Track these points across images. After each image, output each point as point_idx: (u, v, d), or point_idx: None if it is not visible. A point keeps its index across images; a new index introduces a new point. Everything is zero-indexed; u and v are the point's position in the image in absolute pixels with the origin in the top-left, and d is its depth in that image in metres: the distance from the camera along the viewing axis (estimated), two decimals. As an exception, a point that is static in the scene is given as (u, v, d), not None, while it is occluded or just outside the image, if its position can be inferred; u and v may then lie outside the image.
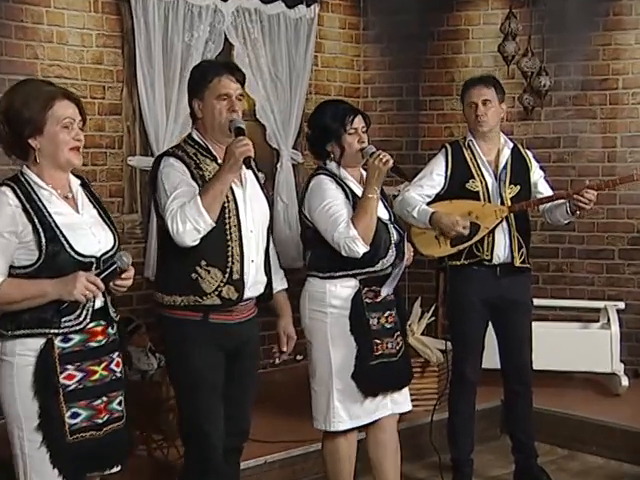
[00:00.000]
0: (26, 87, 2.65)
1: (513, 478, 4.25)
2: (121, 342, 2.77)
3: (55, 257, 2.55)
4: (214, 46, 5.17)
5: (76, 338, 2.62)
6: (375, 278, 3.42)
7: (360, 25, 6.17)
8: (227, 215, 2.99)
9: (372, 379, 3.42)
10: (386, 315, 3.46)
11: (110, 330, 2.72)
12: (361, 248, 3.31)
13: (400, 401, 3.54)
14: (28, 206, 2.56)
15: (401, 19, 6.00)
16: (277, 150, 5.68)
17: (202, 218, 2.86)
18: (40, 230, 2.55)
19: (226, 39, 5.28)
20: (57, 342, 2.58)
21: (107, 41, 4.89)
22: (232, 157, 2.88)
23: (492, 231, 4.00)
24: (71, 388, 2.60)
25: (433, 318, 5.12)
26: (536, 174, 4.18)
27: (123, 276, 2.64)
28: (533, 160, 4.21)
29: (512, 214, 4.02)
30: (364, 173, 3.53)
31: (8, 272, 2.56)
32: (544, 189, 4.17)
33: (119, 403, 2.72)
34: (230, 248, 2.99)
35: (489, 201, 4.02)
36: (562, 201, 4.04)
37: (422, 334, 4.98)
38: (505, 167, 4.07)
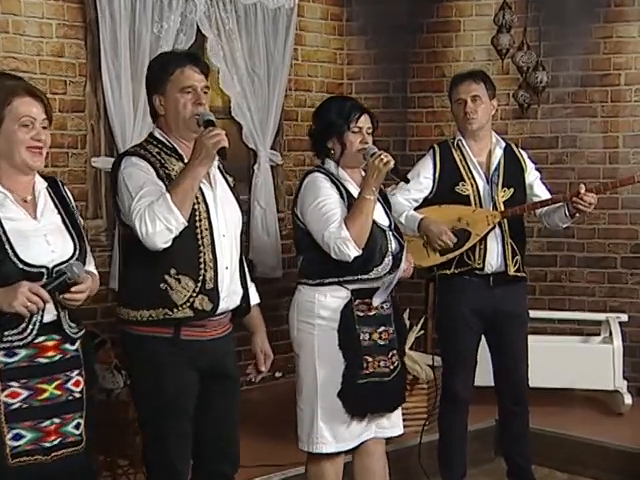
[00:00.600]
0: None
1: (508, 504, 4.28)
2: (86, 359, 2.75)
3: None
4: (185, 38, 5.17)
5: (22, 353, 2.59)
6: (368, 290, 3.42)
7: (343, 16, 6.18)
8: (197, 217, 2.96)
9: (360, 399, 3.41)
10: (380, 331, 3.46)
11: (68, 346, 2.70)
12: (352, 251, 3.32)
13: (386, 425, 3.54)
14: None
15: (388, 9, 6.02)
16: (254, 151, 5.68)
17: (173, 216, 2.83)
18: None
19: (198, 30, 5.28)
20: None
21: (68, 32, 4.87)
22: (203, 149, 2.84)
23: (484, 238, 4.01)
24: (14, 407, 2.56)
25: (422, 332, 5.13)
26: (531, 175, 4.20)
27: (73, 289, 2.60)
28: (528, 160, 4.22)
29: (505, 219, 4.04)
30: None
31: None
32: (541, 192, 4.19)
33: (76, 426, 2.69)
34: (202, 254, 2.96)
35: (480, 206, 4.03)
36: (560, 204, 4.06)
37: (410, 349, 4.99)
38: (497, 168, 4.09)
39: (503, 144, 4.14)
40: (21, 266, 2.57)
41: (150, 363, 2.98)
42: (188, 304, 2.95)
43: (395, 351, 3.52)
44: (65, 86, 4.88)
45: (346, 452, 3.53)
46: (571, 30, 5.69)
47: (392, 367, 3.49)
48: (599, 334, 5.48)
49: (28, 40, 4.71)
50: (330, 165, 3.52)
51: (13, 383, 2.57)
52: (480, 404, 4.32)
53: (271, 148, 5.74)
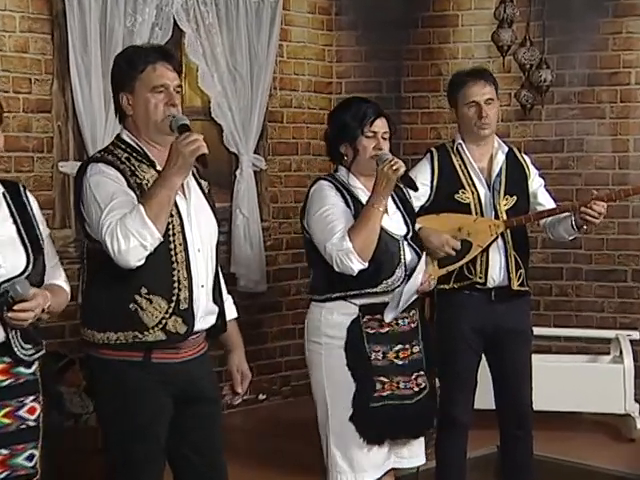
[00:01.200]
0: None
1: (511, 537, 4.26)
2: (46, 383, 2.72)
3: None
4: (161, 32, 5.16)
5: None
6: (378, 305, 3.42)
7: (332, 9, 6.19)
8: (171, 232, 2.91)
9: (375, 424, 3.40)
10: (397, 349, 3.45)
11: (22, 369, 2.67)
12: (356, 264, 3.32)
13: (405, 454, 3.53)
14: None
15: (380, 3, 6.03)
16: (236, 155, 5.68)
17: (148, 231, 2.78)
18: None
19: (175, 24, 5.28)
20: None
21: (33, 25, 4.86)
22: (179, 157, 2.80)
23: (486, 250, 4.02)
24: None
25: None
26: (535, 182, 4.20)
27: (16, 307, 2.55)
28: (531, 166, 4.22)
29: (508, 230, 4.04)
30: None
31: None
32: (544, 200, 4.19)
33: (29, 458, 2.65)
34: (176, 272, 2.92)
35: (482, 214, 4.02)
36: (567, 214, 4.07)
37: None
38: (499, 175, 4.08)
39: (505, 148, 4.14)
40: None
41: (118, 389, 2.94)
42: (160, 326, 2.92)
43: (422, 372, 3.51)
44: (30, 84, 4.86)
45: None
46: (577, 25, 5.71)
47: (417, 389, 3.48)
48: (609, 353, 5.48)
49: (-11, 35, 4.71)
50: (342, 172, 3.53)
51: None
52: (480, 429, 4.30)
53: (254, 152, 5.73)
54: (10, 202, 2.75)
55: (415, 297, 3.47)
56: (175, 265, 2.93)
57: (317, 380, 3.48)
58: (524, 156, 4.26)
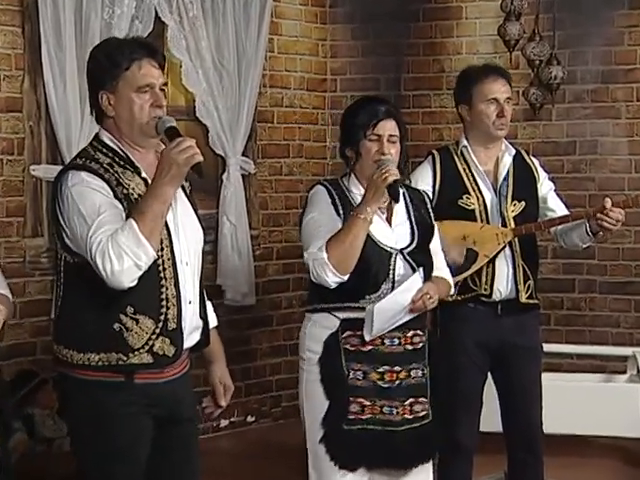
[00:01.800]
0: None
1: None
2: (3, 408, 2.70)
3: None
4: (142, 25, 5.16)
5: None
6: (362, 320, 3.40)
7: (326, 1, 6.20)
8: (159, 246, 2.89)
9: (347, 447, 3.40)
10: (381, 371, 3.43)
11: None
12: (331, 277, 3.33)
13: None
14: None
15: (378, -6, 6.06)
16: (222, 157, 5.68)
17: (143, 250, 2.77)
18: None
19: (157, 17, 5.28)
20: None
21: (2, 17, 4.85)
22: (173, 165, 2.78)
23: (492, 259, 4.02)
24: None
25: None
26: (544, 187, 4.20)
27: None
28: (540, 169, 4.23)
29: (516, 238, 4.04)
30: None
31: None
32: (555, 205, 4.19)
33: None
34: (164, 289, 2.92)
35: (488, 222, 4.02)
36: (580, 221, 4.07)
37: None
38: (506, 179, 4.08)
39: (513, 151, 4.15)
40: None
41: (96, 412, 2.93)
42: (146, 348, 2.91)
43: (422, 399, 3.49)
44: (-1, 81, 4.87)
45: None
46: (591, 18, 5.72)
47: (410, 417, 3.45)
48: (625, 372, 5.48)
49: (-46, 28, 4.72)
50: (347, 177, 3.56)
51: None
52: (486, 453, 4.30)
53: (242, 154, 5.74)
54: None
55: (408, 317, 3.44)
56: (163, 282, 2.92)
57: (300, 398, 3.53)
58: (532, 159, 4.26)
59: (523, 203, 4.08)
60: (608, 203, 3.92)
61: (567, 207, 4.23)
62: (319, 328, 3.45)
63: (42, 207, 4.98)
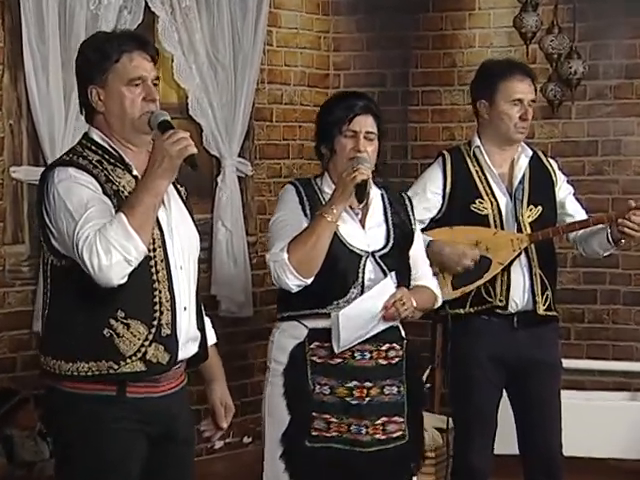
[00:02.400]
0: None
1: None
2: None
3: None
4: (130, 17, 5.17)
5: None
6: (330, 330, 3.42)
7: (329, -10, 6.23)
8: (151, 247, 2.92)
9: (309, 466, 3.42)
10: (349, 386, 3.45)
11: None
12: (292, 279, 3.36)
13: None
14: None
15: (384, -18, 6.07)
16: (217, 158, 5.68)
17: (133, 243, 2.79)
18: None
19: (147, 7, 5.29)
20: None
21: (-19, 9, 4.89)
22: (166, 156, 2.81)
23: (507, 268, 4.03)
24: None
25: (428, 385, 5.12)
26: (563, 190, 4.21)
27: None
28: (558, 172, 4.23)
29: (533, 245, 4.04)
30: (372, 191, 3.58)
31: None
32: (574, 210, 4.20)
33: None
34: (157, 292, 2.94)
35: (502, 227, 4.03)
36: (601, 226, 4.08)
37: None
38: (522, 182, 4.09)
39: (530, 152, 4.15)
40: None
41: (85, 427, 2.94)
42: (139, 355, 2.92)
43: (397, 418, 3.50)
44: (-23, 77, 4.88)
45: None
46: (613, 8, 5.72)
47: (382, 437, 3.46)
48: (651, 389, 5.50)
49: None
50: (321, 176, 3.60)
51: None
52: (501, 477, 4.30)
53: (238, 155, 5.74)
54: None
55: (381, 327, 3.44)
56: (156, 285, 2.94)
57: (262, 413, 3.55)
58: (550, 160, 4.27)
59: (540, 208, 4.08)
60: (632, 206, 3.93)
61: (588, 212, 4.24)
62: (287, 337, 3.48)
63: (23, 212, 4.99)
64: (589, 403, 5.31)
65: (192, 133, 5.43)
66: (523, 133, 4.07)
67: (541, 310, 4.05)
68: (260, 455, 3.54)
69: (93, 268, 2.79)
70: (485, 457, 4.09)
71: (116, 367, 2.91)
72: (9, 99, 4.95)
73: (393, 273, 3.47)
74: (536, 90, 4.12)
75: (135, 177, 2.96)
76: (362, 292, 3.44)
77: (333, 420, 3.43)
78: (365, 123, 3.50)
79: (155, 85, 3.02)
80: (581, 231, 4.14)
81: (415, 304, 3.46)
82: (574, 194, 4.25)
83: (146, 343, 2.93)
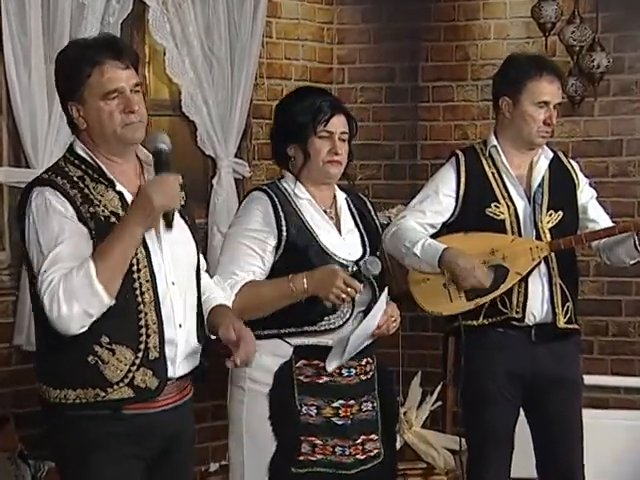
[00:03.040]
0: None
1: None
2: None
3: None
4: (119, 7, 5.16)
5: None
6: (318, 347, 3.45)
7: (333, -22, 6.24)
8: (135, 268, 2.97)
9: None
10: (336, 406, 3.47)
11: None
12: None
13: None
14: None
15: (392, -30, 6.08)
16: (213, 159, 5.69)
17: (97, 299, 2.87)
18: None
19: (137, -4, 5.31)
20: None
21: (-41, -1, 4.89)
22: (148, 205, 2.88)
23: (525, 278, 4.03)
24: None
25: (439, 403, 5.12)
26: (584, 194, 4.22)
27: None
28: (580, 174, 4.24)
29: (553, 253, 4.05)
30: (339, 195, 3.62)
31: None
32: (596, 215, 4.21)
33: None
34: (142, 315, 2.99)
35: (520, 234, 4.04)
36: (627, 233, 4.08)
37: (423, 427, 4.97)
38: (541, 185, 4.10)
39: (550, 154, 4.16)
40: None
41: (82, 446, 2.99)
42: (126, 381, 2.98)
43: (373, 436, 3.53)
44: (-46, 71, 4.88)
45: None
46: (639, -4, 5.73)
47: (362, 457, 3.50)
48: (680, 408, 5.50)
49: None
50: (288, 178, 3.58)
51: None
52: (519, 503, 4.32)
53: (236, 155, 5.74)
54: None
55: (367, 342, 3.47)
56: (141, 307, 2.99)
57: (236, 436, 3.52)
58: (572, 162, 4.28)
59: (560, 213, 4.09)
60: None
61: (611, 217, 4.24)
62: (266, 356, 3.45)
63: (3, 216, 4.99)
64: (614, 422, 5.30)
65: (185, 132, 5.50)
66: (545, 137, 4.07)
67: (561, 323, 4.06)
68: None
69: (52, 314, 2.88)
70: (501, 479, 4.10)
71: (103, 394, 2.97)
72: (-12, 96, 4.96)
73: (386, 289, 3.50)
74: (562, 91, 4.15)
75: (119, 193, 3.01)
76: (353, 306, 3.46)
77: (318, 442, 3.46)
78: (339, 123, 3.52)
79: (137, 92, 3.05)
80: (604, 239, 4.14)
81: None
82: (597, 198, 4.26)
83: (133, 368, 2.98)
